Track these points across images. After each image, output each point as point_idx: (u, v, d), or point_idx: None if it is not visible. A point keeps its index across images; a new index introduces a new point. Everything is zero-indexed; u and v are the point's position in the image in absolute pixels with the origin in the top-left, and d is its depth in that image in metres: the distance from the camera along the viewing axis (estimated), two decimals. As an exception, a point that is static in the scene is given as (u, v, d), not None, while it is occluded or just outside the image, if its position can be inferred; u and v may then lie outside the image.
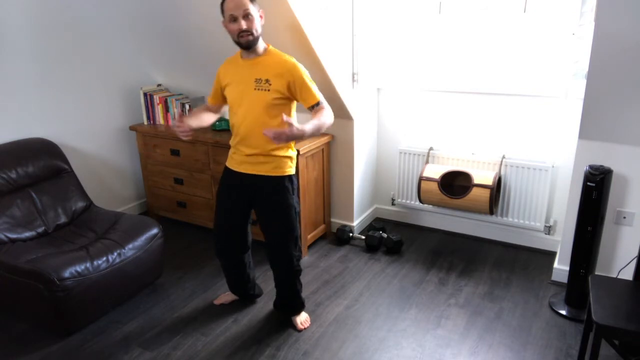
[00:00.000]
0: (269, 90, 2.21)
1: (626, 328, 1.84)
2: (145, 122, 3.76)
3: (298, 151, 2.63)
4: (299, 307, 2.60)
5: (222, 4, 2.16)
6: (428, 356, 2.36)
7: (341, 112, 3.23)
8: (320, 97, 2.26)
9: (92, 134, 3.57)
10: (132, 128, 3.71)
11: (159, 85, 3.89)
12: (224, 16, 2.18)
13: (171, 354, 2.40)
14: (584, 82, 2.52)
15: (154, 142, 3.62)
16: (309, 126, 2.09)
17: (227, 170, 2.44)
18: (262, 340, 2.49)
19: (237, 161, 2.37)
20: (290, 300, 2.59)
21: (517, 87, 3.10)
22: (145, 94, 3.69)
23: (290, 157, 2.36)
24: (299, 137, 2.07)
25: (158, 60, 3.75)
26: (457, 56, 3.26)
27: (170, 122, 2.31)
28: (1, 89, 2.95)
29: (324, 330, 2.56)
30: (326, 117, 2.21)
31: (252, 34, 2.14)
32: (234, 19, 2.12)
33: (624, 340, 2.19)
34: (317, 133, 2.18)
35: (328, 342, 2.48)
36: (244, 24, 2.11)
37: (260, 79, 2.22)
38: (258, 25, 2.17)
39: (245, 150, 2.32)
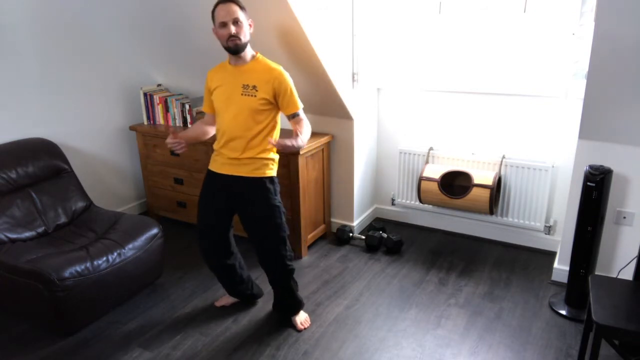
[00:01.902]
0: (255, 96, 2.27)
1: (626, 328, 1.84)
2: (145, 122, 3.76)
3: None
4: (297, 306, 2.60)
5: (213, 12, 2.24)
6: (428, 356, 2.36)
7: (341, 112, 3.23)
8: (300, 107, 2.35)
9: (92, 134, 3.57)
10: (132, 128, 3.71)
11: (159, 85, 3.89)
12: (214, 23, 2.26)
13: (171, 354, 2.40)
14: (584, 82, 2.51)
15: (154, 142, 3.62)
16: (299, 141, 2.30)
17: (209, 173, 2.47)
18: (262, 340, 2.50)
19: (219, 163, 2.41)
20: (286, 300, 2.59)
21: (517, 87, 3.10)
22: (145, 94, 3.70)
23: (272, 160, 2.40)
24: (298, 148, 2.29)
25: (158, 60, 3.75)
26: (457, 56, 3.25)
27: (170, 129, 2.43)
28: (1, 89, 2.95)
29: (324, 330, 2.56)
30: (307, 132, 2.33)
31: (240, 38, 2.22)
32: (224, 25, 2.20)
33: (624, 340, 2.19)
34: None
35: (328, 342, 2.48)
36: (232, 29, 2.19)
37: (247, 85, 2.28)
38: (247, 32, 2.25)
39: (229, 154, 2.35)
